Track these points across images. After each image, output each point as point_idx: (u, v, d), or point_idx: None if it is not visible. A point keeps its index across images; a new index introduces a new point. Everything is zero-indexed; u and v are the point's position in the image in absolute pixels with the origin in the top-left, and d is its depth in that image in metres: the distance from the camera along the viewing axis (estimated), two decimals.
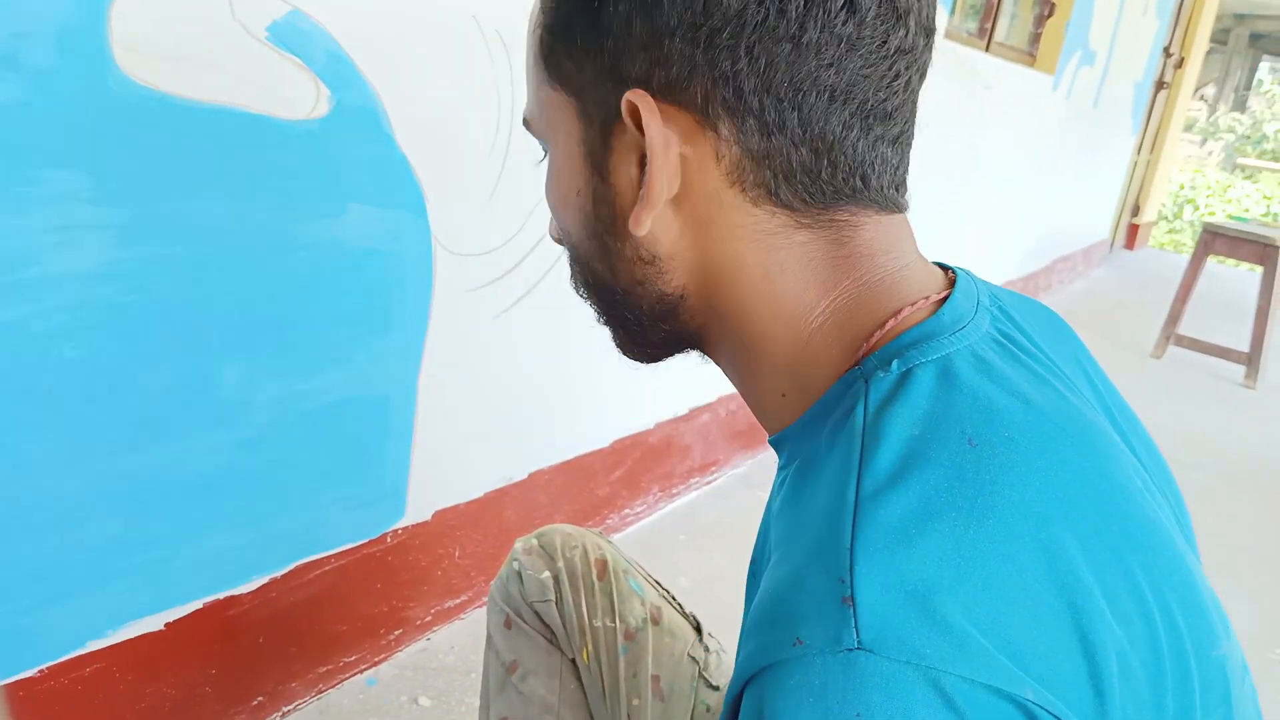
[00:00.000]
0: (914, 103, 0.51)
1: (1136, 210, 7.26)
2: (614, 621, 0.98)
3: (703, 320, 0.55)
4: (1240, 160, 12.46)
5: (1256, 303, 3.82)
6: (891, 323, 0.49)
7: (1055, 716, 0.38)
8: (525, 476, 1.66)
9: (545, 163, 0.58)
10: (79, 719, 1.08)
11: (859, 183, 0.49)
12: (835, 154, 0.48)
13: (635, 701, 0.97)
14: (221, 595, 1.19)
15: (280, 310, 1.13)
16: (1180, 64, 6.65)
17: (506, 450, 1.61)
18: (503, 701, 0.99)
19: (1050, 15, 3.87)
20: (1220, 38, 14.98)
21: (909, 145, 0.52)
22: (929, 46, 0.50)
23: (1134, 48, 5.15)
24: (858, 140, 0.48)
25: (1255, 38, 16.09)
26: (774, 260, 0.50)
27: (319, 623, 1.34)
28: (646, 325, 0.56)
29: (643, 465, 1.98)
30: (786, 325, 0.51)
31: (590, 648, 0.98)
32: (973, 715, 0.36)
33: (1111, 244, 6.81)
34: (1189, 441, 3.10)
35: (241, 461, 1.15)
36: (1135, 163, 6.69)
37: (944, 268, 0.57)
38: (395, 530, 1.42)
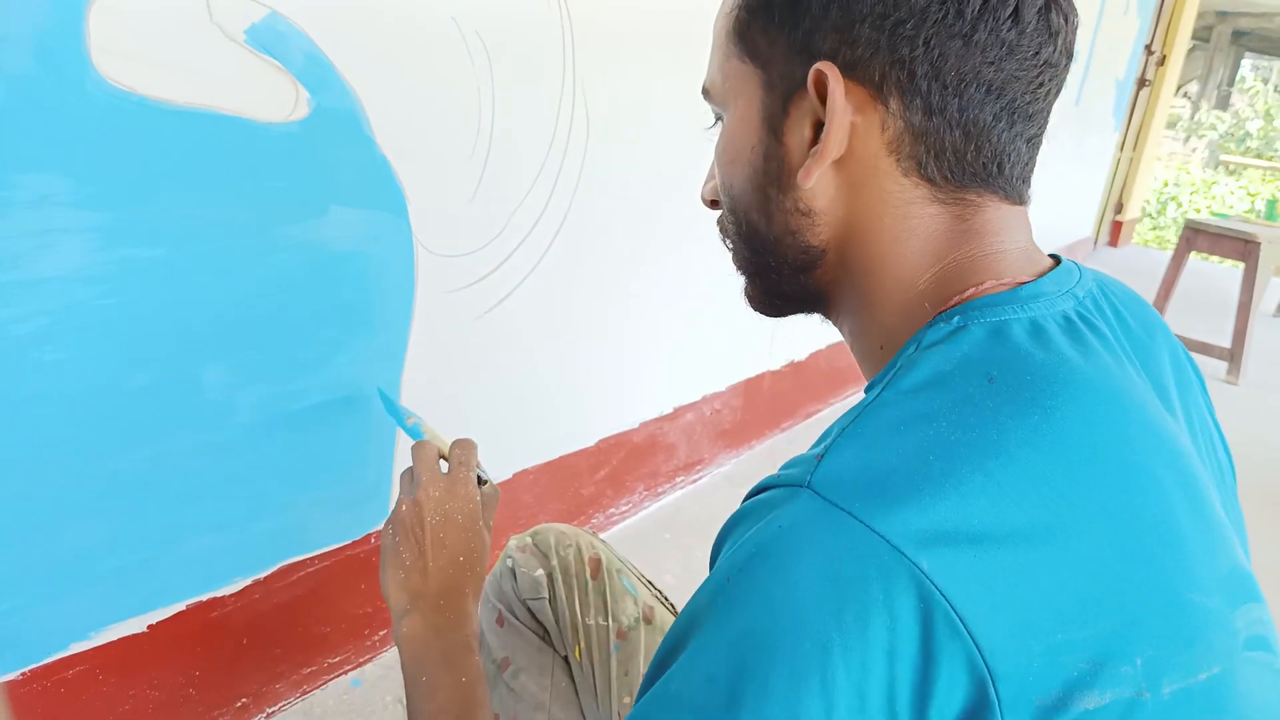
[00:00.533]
0: (1049, 112, 0.59)
1: (1120, 208, 7.29)
2: (607, 620, 0.99)
3: (834, 276, 0.61)
4: (1224, 157, 12.52)
5: (1238, 298, 3.85)
6: (972, 291, 0.56)
7: (948, 601, 0.41)
8: (510, 476, 1.66)
9: (717, 127, 0.66)
10: None
11: (995, 169, 0.57)
12: (981, 140, 0.55)
13: (627, 700, 0.97)
14: (205, 597, 1.19)
15: (262, 312, 1.14)
16: (1162, 61, 6.69)
17: (491, 450, 1.61)
18: (494, 698, 1.00)
19: None
20: (1203, 35, 15.08)
21: (1038, 148, 0.60)
22: (1068, 68, 0.57)
23: (1115, 46, 5.18)
24: (1002, 132, 0.56)
25: (1238, 35, 16.20)
26: (905, 227, 0.57)
27: (303, 624, 1.35)
28: (786, 275, 0.63)
29: (628, 464, 1.99)
30: (900, 285, 0.58)
31: (583, 645, 0.99)
32: (863, 559, 0.42)
33: (1095, 242, 6.84)
34: None
35: (224, 463, 1.15)
36: (1118, 160, 6.73)
37: (1057, 259, 0.63)
38: (379, 531, 1.42)
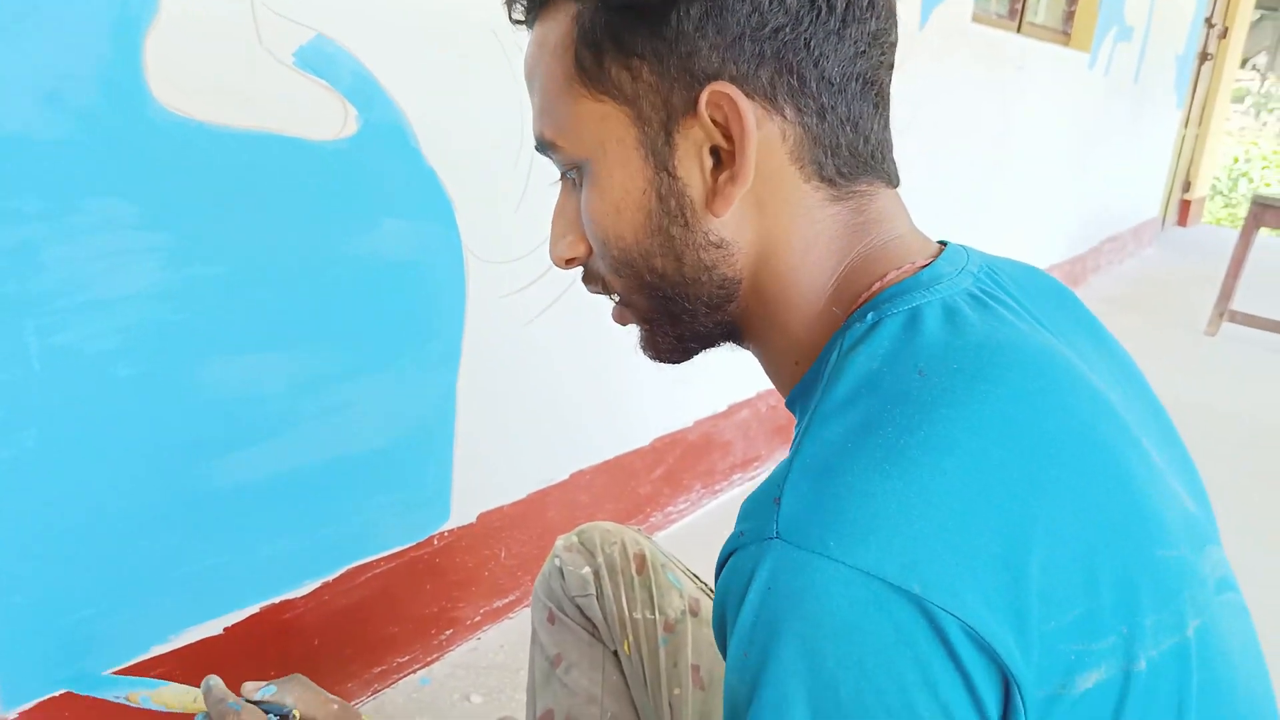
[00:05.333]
0: None
1: (1187, 186, 7.10)
2: (654, 614, 1.01)
3: (746, 304, 0.59)
4: None
5: None
6: (877, 285, 0.55)
7: (952, 614, 0.41)
8: (567, 477, 1.69)
9: (562, 184, 0.62)
10: None
11: (880, 155, 0.57)
12: (865, 130, 0.56)
13: (676, 691, 0.99)
14: (276, 600, 1.24)
15: (322, 323, 1.18)
16: (1224, 34, 6.50)
17: (547, 452, 1.64)
18: (548, 694, 1.02)
19: None
20: (1271, 4, 14.57)
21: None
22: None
23: (1173, 20, 5.05)
24: (874, 118, 0.56)
25: None
26: (813, 233, 0.56)
27: (372, 624, 1.39)
28: (702, 315, 0.60)
29: (684, 463, 2.00)
30: (812, 294, 0.57)
31: (631, 639, 1.00)
32: (859, 602, 0.41)
33: (1163, 222, 6.66)
34: (1244, 418, 3.04)
35: (290, 470, 1.20)
36: (1183, 138, 6.55)
37: (944, 244, 0.61)
38: (441, 533, 1.46)
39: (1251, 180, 9.68)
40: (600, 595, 1.02)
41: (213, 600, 1.17)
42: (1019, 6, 3.35)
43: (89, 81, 0.91)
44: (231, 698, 0.69)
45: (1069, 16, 3.85)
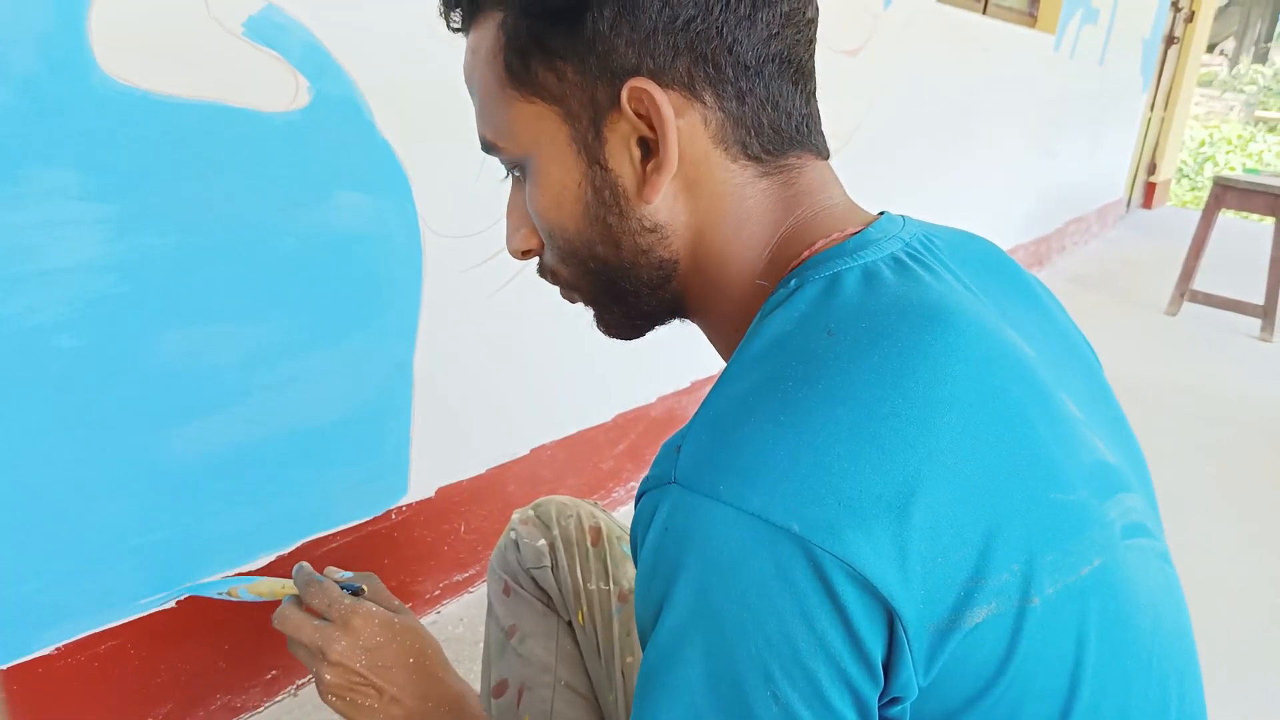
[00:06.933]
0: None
1: (1153, 168, 7.18)
2: (608, 584, 1.02)
3: (688, 281, 0.62)
4: (1260, 113, 12.25)
5: (1270, 254, 3.79)
6: (806, 253, 0.58)
7: (830, 553, 0.43)
8: (528, 452, 1.69)
9: (511, 180, 0.65)
10: (95, 695, 1.13)
11: (807, 129, 0.59)
12: (787, 107, 0.58)
13: (629, 659, 1.00)
14: (231, 572, 1.23)
15: (274, 295, 1.17)
16: (1190, 18, 6.56)
17: (508, 427, 1.65)
18: (503, 664, 1.03)
19: None
20: None
21: (815, 100, 0.62)
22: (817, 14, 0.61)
23: (1140, 4, 5.09)
24: (795, 95, 0.58)
25: None
26: (744, 209, 0.59)
27: None
28: (644, 295, 0.63)
29: (646, 438, 2.01)
30: (748, 267, 0.60)
31: (585, 610, 1.01)
32: (743, 541, 0.44)
33: (1128, 204, 6.74)
34: (1206, 396, 3.10)
35: (243, 443, 1.20)
36: (1149, 120, 6.62)
37: (882, 214, 0.63)
38: (399, 507, 1.46)
39: (1217, 164, 9.80)
40: (555, 567, 1.02)
41: (166, 573, 1.16)
42: None
43: (30, 48, 0.90)
44: (318, 575, 0.81)
45: None
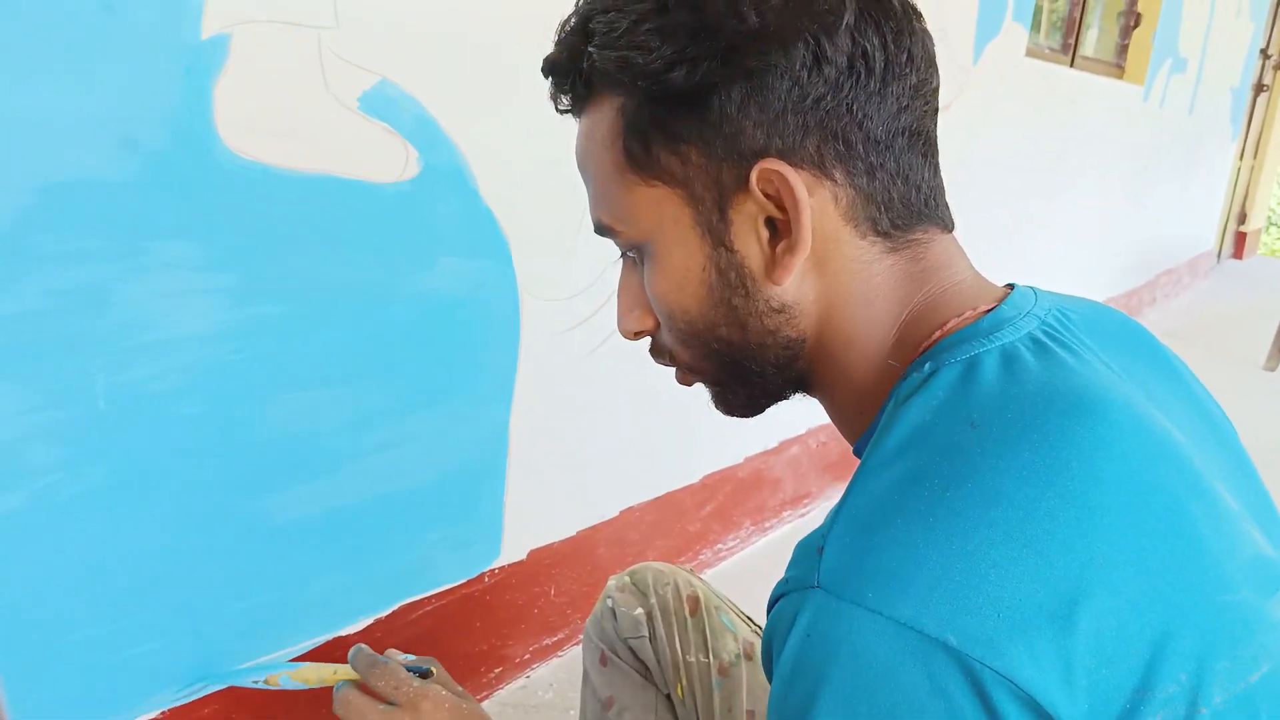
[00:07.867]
0: None
1: (1243, 218, 6.97)
2: (707, 657, 0.99)
3: (814, 359, 0.60)
4: None
5: None
6: (938, 334, 0.56)
7: (989, 667, 0.41)
8: (616, 514, 1.68)
9: (623, 260, 0.65)
10: None
11: (933, 204, 0.58)
12: (916, 180, 0.57)
13: None
14: (330, 636, 1.24)
15: (379, 360, 1.19)
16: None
17: (597, 489, 1.64)
18: None
19: (1136, 26, 3.78)
20: None
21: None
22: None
23: (1228, 52, 4.98)
24: (924, 167, 0.57)
25: None
26: (872, 286, 0.57)
27: None
28: (770, 375, 0.62)
29: (734, 499, 1.99)
30: (875, 346, 0.58)
31: (685, 683, 0.99)
32: (894, 652, 0.42)
33: (1219, 254, 6.55)
34: None
35: (346, 506, 1.21)
36: (1238, 170, 6.44)
37: (1011, 287, 0.61)
38: (492, 570, 1.45)
39: None
40: (653, 637, 1.01)
41: (268, 636, 1.17)
42: (1071, 41, 3.33)
43: (160, 126, 0.93)
44: (380, 658, 0.79)
45: (1122, 49, 3.81)
